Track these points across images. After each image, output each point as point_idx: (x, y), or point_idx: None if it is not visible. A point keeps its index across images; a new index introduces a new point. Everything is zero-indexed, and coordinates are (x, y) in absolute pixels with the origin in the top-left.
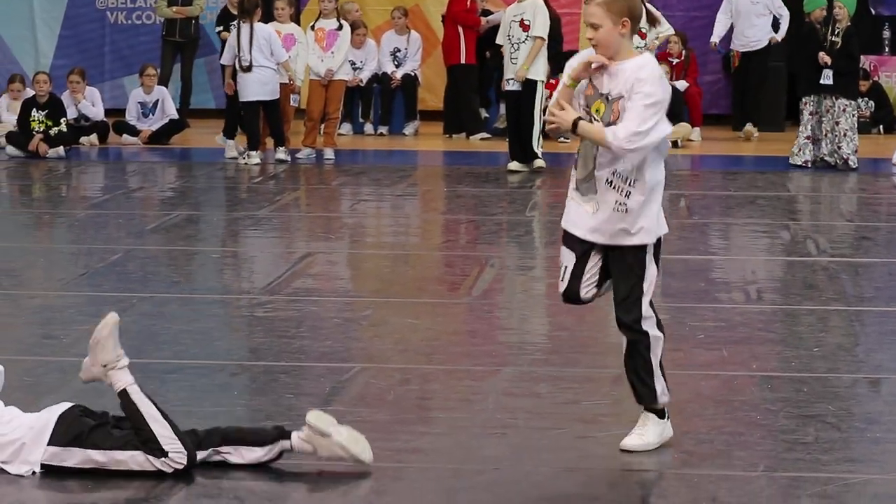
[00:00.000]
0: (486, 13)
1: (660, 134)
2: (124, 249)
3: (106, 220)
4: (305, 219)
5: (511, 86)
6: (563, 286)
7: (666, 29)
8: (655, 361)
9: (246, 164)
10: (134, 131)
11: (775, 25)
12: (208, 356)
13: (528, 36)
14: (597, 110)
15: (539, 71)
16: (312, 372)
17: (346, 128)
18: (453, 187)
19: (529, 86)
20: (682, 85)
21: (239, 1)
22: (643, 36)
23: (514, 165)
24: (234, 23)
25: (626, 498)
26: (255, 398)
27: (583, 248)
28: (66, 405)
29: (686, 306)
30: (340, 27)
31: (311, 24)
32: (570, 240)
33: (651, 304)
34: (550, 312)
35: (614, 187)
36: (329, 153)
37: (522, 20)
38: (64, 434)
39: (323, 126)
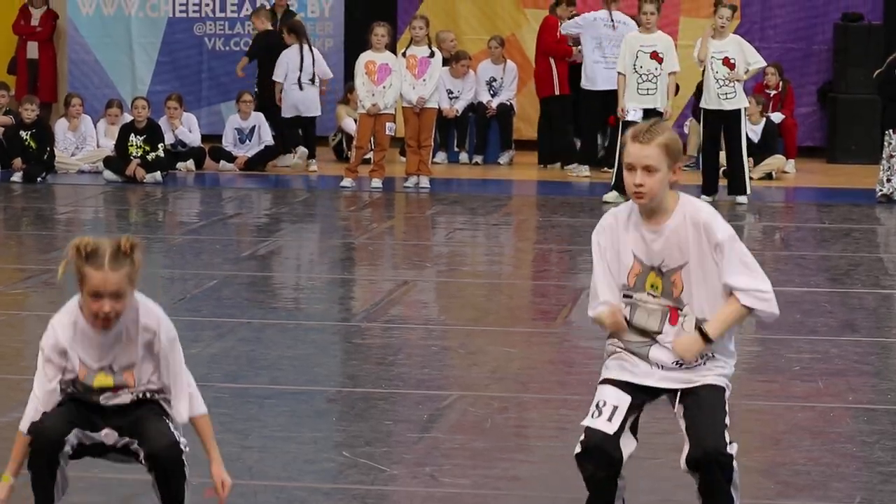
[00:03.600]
0: (578, 42)
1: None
2: (221, 275)
3: (202, 246)
4: (401, 247)
5: (632, 116)
6: (605, 425)
7: (756, 62)
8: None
9: (289, 166)
10: (230, 157)
11: None
12: (307, 382)
13: (660, 68)
14: (653, 286)
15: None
16: (410, 399)
17: (441, 156)
18: (548, 217)
19: (656, 115)
20: (777, 117)
21: (290, 25)
22: (732, 67)
23: (610, 196)
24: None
25: None
26: (354, 424)
27: (642, 396)
28: None
29: (782, 338)
30: (432, 54)
31: (403, 50)
32: (620, 384)
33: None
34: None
35: (686, 365)
36: (424, 181)
37: (656, 52)
38: None
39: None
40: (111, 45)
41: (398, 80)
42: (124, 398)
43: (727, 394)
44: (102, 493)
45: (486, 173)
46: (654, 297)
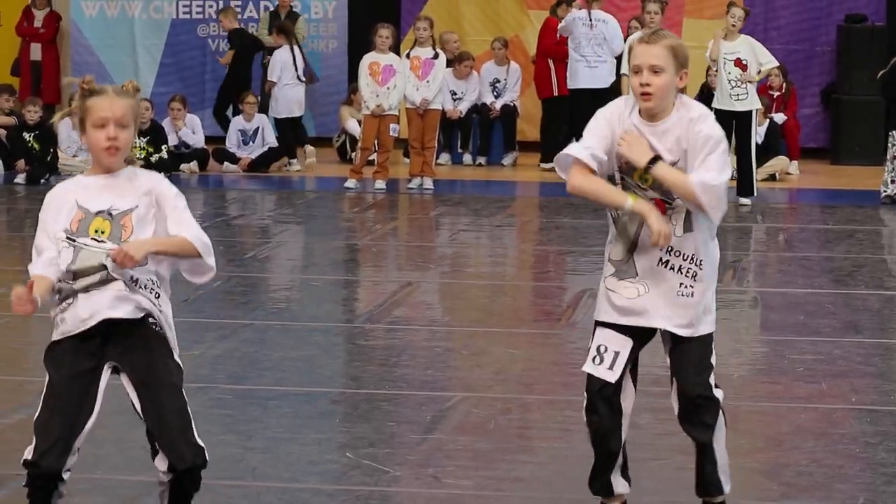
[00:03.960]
0: None
1: (727, 178)
2: (225, 276)
3: None
4: (405, 248)
5: None
6: (607, 374)
7: (768, 62)
8: (722, 435)
9: (288, 170)
10: (234, 159)
11: None
12: (310, 383)
13: None
14: (642, 178)
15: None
16: (413, 400)
17: (445, 158)
18: (552, 218)
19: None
20: (780, 118)
21: (280, 26)
22: (744, 68)
23: None
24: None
25: None
26: (357, 425)
27: (643, 337)
28: None
29: (785, 339)
30: (436, 56)
31: (407, 52)
32: (618, 327)
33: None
34: (648, 343)
35: (672, 268)
36: (428, 183)
37: None
38: None
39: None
40: (114, 46)
41: (402, 81)
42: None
43: (713, 339)
44: (103, 494)
45: (489, 175)
46: (641, 188)
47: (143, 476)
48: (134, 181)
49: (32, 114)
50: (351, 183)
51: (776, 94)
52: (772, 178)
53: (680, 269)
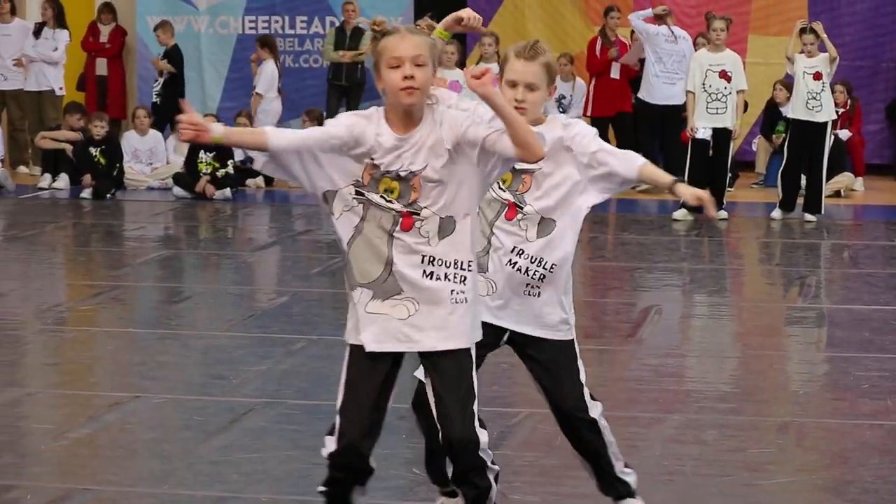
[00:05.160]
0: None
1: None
2: (291, 292)
3: (272, 263)
4: None
5: (701, 134)
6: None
7: (832, 53)
8: (611, 442)
9: None
10: None
11: None
12: None
13: (729, 87)
14: (503, 180)
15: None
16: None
17: None
18: (618, 234)
19: (725, 134)
20: (844, 134)
21: (263, 40)
22: (818, 77)
23: (679, 214)
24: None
25: None
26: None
27: (488, 338)
28: None
29: (851, 356)
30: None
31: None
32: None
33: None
34: (715, 360)
35: (520, 269)
36: None
37: (724, 71)
38: None
39: None
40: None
41: (468, 97)
42: (415, 237)
43: (576, 346)
44: None
45: None
46: (501, 189)
47: (211, 491)
48: (433, 126)
49: (99, 129)
50: None
51: (841, 110)
52: (837, 194)
53: (527, 270)
